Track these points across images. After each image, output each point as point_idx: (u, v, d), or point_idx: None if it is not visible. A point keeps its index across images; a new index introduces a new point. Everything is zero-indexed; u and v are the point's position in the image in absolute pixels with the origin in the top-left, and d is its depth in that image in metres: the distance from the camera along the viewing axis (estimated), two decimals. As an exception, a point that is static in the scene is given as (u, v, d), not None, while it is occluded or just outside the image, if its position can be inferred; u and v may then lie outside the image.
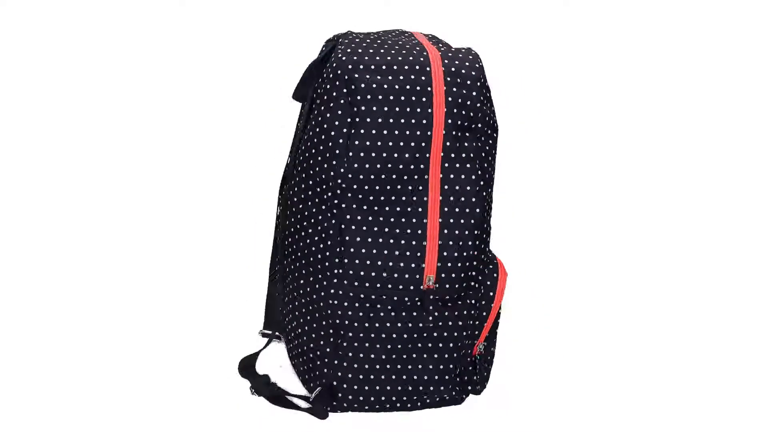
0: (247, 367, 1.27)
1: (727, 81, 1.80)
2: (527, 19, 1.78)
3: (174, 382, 1.24)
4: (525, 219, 1.67)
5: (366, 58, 1.12)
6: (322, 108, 1.14)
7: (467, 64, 1.13)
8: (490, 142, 1.16)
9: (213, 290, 1.49)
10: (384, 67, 1.11)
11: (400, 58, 1.12)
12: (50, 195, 1.70)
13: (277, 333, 1.31)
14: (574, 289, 1.54)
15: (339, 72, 1.11)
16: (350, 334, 1.14)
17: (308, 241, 1.16)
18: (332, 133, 1.12)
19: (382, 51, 1.13)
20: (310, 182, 1.15)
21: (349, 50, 1.13)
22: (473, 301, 1.17)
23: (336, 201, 1.12)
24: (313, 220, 1.15)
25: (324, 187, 1.13)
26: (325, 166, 1.12)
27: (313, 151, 1.14)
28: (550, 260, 1.58)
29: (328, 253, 1.14)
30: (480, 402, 1.21)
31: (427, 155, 1.11)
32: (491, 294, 1.18)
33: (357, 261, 1.12)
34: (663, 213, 1.73)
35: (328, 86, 1.13)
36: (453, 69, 1.12)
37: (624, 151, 1.79)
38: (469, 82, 1.12)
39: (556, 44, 1.78)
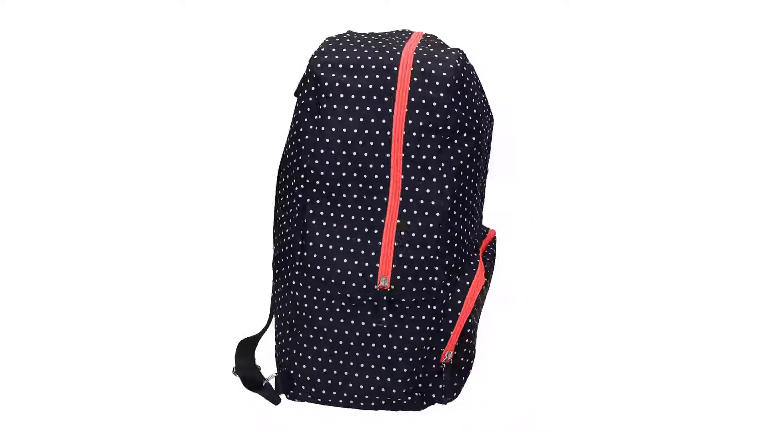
0: (245, 346, 1.27)
1: (727, 80, 1.80)
2: (527, 19, 1.78)
3: (171, 382, 1.24)
4: (524, 219, 1.67)
5: (337, 57, 1.14)
6: (297, 105, 1.17)
7: (440, 65, 1.13)
8: (466, 146, 1.15)
9: (214, 290, 1.49)
10: (352, 66, 1.14)
11: (370, 58, 1.14)
12: (50, 195, 1.70)
13: None
14: (573, 292, 1.53)
15: (310, 70, 1.15)
16: (306, 326, 1.17)
17: (281, 234, 1.20)
18: (301, 129, 1.15)
19: (355, 50, 1.15)
20: (285, 178, 1.18)
21: (323, 49, 1.16)
22: (434, 307, 1.15)
23: (301, 196, 1.15)
24: (284, 215, 1.18)
25: (293, 182, 1.16)
26: (295, 161, 1.16)
27: (288, 147, 1.18)
28: (546, 262, 1.58)
29: (291, 245, 1.17)
30: (466, 407, 1.21)
31: (388, 156, 1.12)
32: (459, 302, 1.16)
33: (315, 255, 1.15)
34: (663, 213, 1.73)
35: (302, 84, 1.16)
36: (423, 70, 1.12)
37: (624, 152, 1.79)
38: (437, 83, 1.12)
39: (555, 44, 1.78)
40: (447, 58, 1.14)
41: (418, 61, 1.13)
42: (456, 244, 1.16)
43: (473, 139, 1.15)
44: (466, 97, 1.14)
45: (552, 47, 1.78)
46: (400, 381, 1.16)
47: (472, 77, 1.16)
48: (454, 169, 1.14)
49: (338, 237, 1.14)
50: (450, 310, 1.16)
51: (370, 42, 1.18)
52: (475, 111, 1.15)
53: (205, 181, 1.74)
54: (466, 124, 1.14)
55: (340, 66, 1.14)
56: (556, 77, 1.78)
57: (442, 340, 1.17)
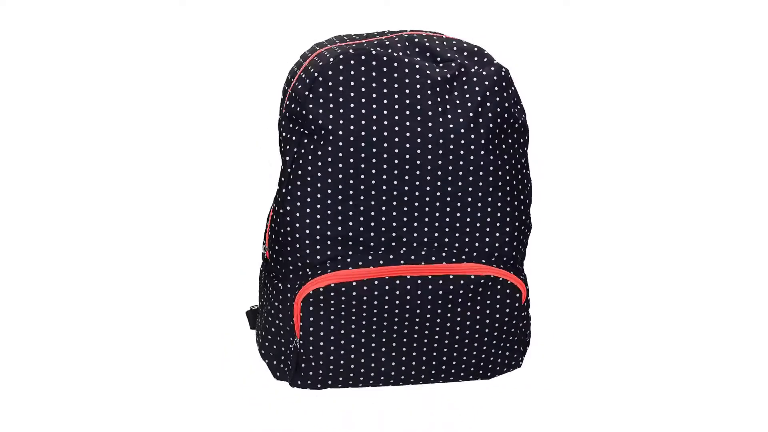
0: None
1: (727, 80, 1.80)
2: (527, 19, 1.78)
3: (171, 381, 1.24)
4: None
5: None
6: None
7: (321, 62, 1.13)
8: (322, 143, 1.12)
9: (216, 289, 1.49)
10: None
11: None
12: (48, 195, 1.71)
13: None
14: (571, 292, 1.54)
15: None
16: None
17: None
18: None
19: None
20: None
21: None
22: (286, 286, 1.19)
23: None
24: None
25: None
26: None
27: None
28: (544, 263, 1.58)
29: None
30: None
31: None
32: (296, 292, 1.17)
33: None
34: (663, 215, 1.73)
35: None
36: (308, 63, 1.15)
37: (624, 153, 1.79)
38: (303, 76, 1.14)
39: (555, 44, 1.78)
40: (335, 53, 1.13)
41: (315, 58, 1.15)
42: (307, 240, 1.15)
43: (330, 139, 1.11)
44: (331, 95, 1.11)
45: (551, 47, 1.78)
46: (265, 344, 1.23)
47: (358, 75, 1.12)
48: (301, 162, 1.13)
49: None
50: (292, 296, 1.18)
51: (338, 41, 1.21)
52: (342, 111, 1.11)
53: (206, 180, 1.74)
54: (320, 122, 1.11)
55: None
56: (555, 78, 1.78)
57: (292, 322, 1.18)
